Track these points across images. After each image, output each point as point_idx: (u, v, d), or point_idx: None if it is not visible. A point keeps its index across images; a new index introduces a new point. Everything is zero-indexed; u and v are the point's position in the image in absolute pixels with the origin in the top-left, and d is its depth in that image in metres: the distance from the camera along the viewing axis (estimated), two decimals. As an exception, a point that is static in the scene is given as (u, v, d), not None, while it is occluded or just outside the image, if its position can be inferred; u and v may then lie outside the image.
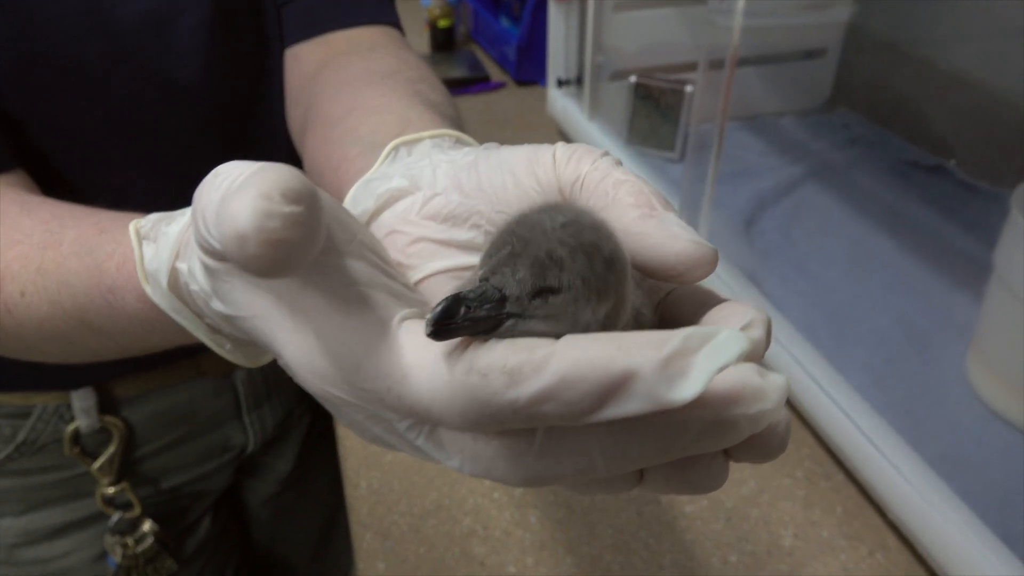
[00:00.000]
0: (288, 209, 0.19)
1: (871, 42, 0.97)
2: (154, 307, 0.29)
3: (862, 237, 0.80)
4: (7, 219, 0.37)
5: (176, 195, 0.31)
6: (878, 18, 0.95)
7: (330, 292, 0.23)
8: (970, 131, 0.83)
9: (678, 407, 0.19)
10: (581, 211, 0.22)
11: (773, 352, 0.64)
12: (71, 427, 0.60)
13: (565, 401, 0.19)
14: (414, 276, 0.26)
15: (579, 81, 1.03)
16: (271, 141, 0.58)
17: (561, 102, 1.06)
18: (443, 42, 1.39)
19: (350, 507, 0.60)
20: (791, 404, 0.65)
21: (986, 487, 0.52)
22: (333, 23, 0.53)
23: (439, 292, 0.25)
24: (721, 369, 0.19)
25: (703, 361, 0.19)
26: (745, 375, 0.20)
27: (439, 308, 0.20)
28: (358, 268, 0.23)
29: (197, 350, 0.34)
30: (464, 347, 0.21)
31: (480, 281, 0.21)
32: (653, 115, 0.94)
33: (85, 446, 0.62)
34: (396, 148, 0.33)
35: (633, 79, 0.94)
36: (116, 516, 0.65)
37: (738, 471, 0.61)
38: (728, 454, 0.22)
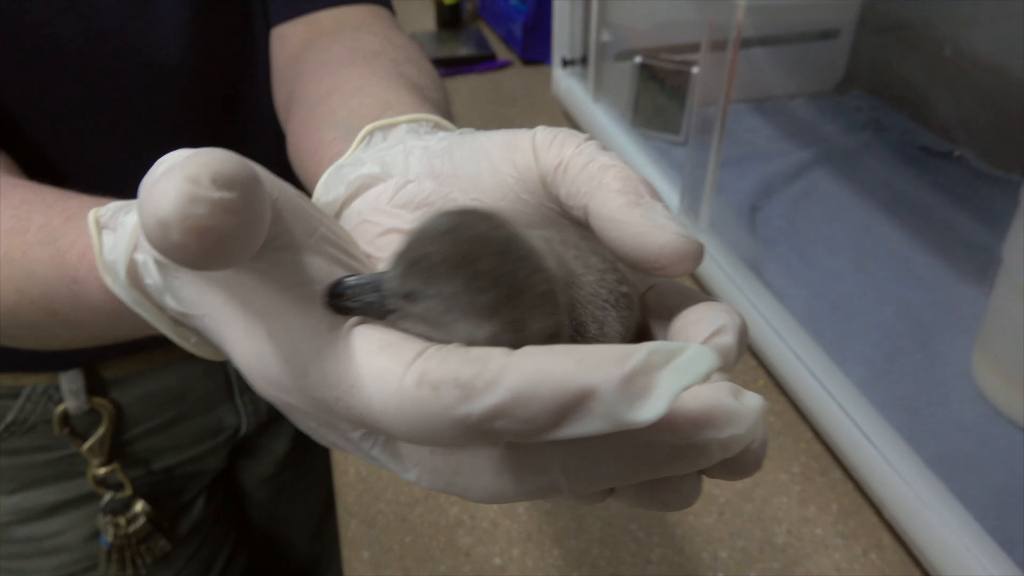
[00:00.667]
0: (217, 195, 0.17)
1: (887, 23, 0.94)
2: (116, 298, 0.28)
3: (869, 225, 0.78)
4: None
5: None
6: (894, -2, 0.92)
7: (282, 291, 0.22)
8: (985, 116, 0.80)
9: (641, 428, 0.17)
10: (511, 228, 0.21)
11: (772, 344, 0.63)
12: (60, 408, 0.60)
13: (519, 418, 0.18)
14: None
15: (584, 61, 1.01)
16: (256, 122, 0.57)
17: (566, 82, 1.04)
18: (449, 19, 1.37)
19: (337, 494, 0.59)
20: (790, 397, 0.64)
21: (986, 489, 0.51)
22: (319, 2, 0.51)
23: None
24: (686, 388, 0.17)
25: (667, 380, 0.17)
26: (718, 396, 0.18)
27: (328, 283, 0.21)
28: (316, 265, 0.22)
29: None
30: (419, 353, 0.20)
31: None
32: (659, 96, 0.91)
33: (75, 427, 0.62)
34: (371, 133, 0.32)
35: (639, 59, 0.92)
36: (108, 496, 0.65)
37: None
38: (699, 471, 0.21)
